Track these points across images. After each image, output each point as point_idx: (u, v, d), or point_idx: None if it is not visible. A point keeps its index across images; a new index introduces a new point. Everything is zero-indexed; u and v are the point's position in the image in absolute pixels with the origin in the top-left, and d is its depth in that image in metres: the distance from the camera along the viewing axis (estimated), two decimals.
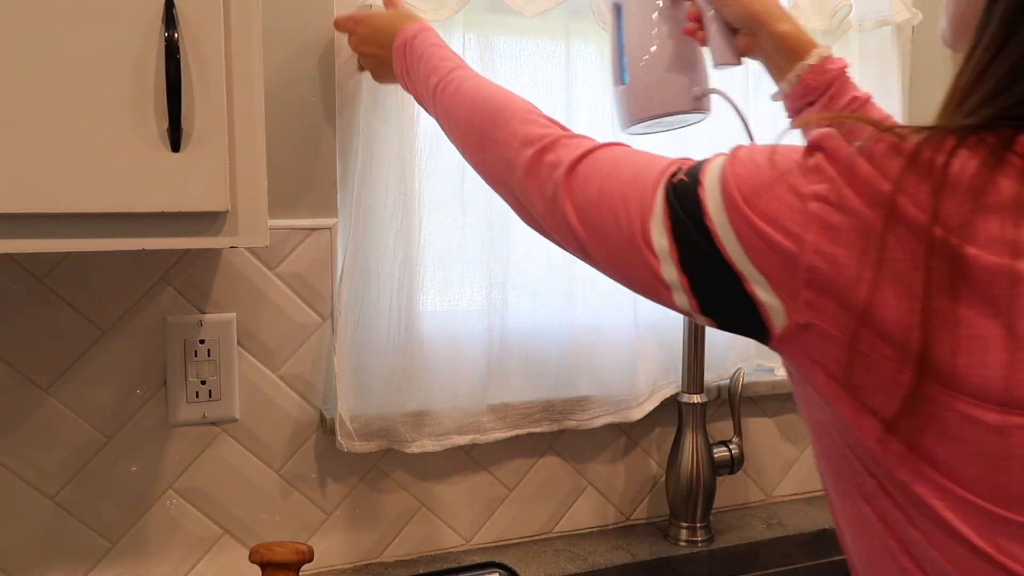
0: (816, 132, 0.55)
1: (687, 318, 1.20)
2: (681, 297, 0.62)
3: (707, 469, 1.25)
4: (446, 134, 0.87)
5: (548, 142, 0.72)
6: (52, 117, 0.72)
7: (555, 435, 1.25)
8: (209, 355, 1.06)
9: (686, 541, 1.26)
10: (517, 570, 1.14)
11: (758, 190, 0.55)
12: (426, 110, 0.91)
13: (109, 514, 1.04)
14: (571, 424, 1.22)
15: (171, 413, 1.05)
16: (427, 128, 1.08)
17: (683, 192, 0.60)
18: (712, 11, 0.92)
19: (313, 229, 1.10)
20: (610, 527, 1.31)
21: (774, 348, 0.58)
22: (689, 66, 0.95)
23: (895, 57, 1.35)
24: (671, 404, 1.28)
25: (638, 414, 1.26)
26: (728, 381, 1.30)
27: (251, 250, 1.07)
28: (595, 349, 1.21)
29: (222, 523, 1.10)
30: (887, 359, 0.51)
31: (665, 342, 1.26)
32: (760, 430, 1.39)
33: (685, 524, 1.26)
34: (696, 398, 1.25)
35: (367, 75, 1.05)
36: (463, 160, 0.85)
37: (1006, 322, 0.48)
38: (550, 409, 1.20)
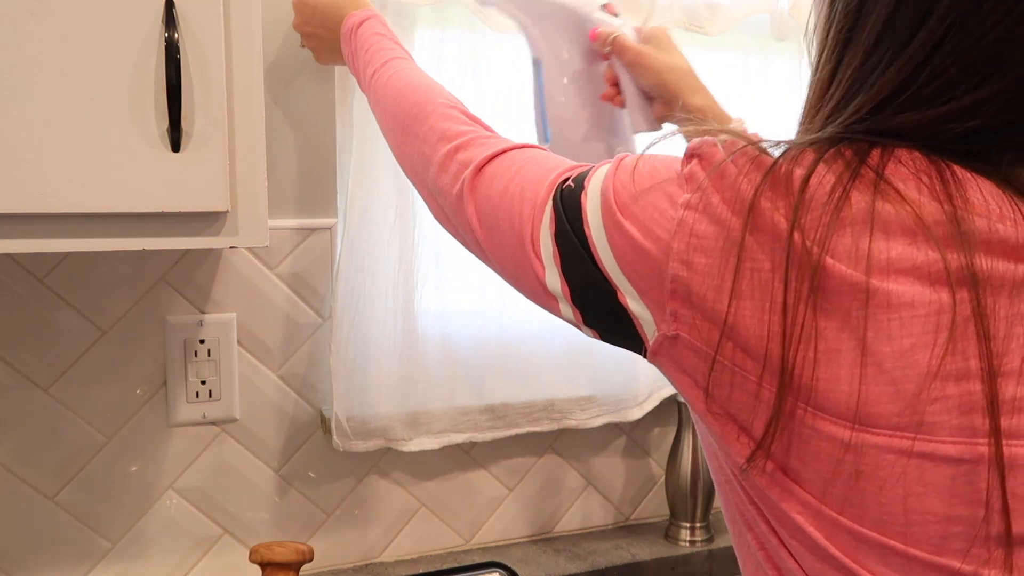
0: (694, 140, 0.54)
1: None
2: (566, 308, 0.61)
3: (707, 469, 1.25)
4: (379, 126, 0.86)
5: (463, 140, 0.71)
6: (52, 117, 0.72)
7: (555, 435, 1.25)
8: (209, 355, 1.06)
9: (686, 541, 1.26)
10: (517, 570, 1.14)
11: (636, 196, 0.54)
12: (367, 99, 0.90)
13: (109, 514, 1.04)
14: (571, 424, 1.22)
15: (171, 413, 1.05)
16: None
17: (568, 198, 0.59)
18: (628, 77, 0.92)
19: (313, 229, 1.10)
20: (610, 527, 1.31)
21: (650, 361, 0.57)
22: (609, 129, 0.94)
23: None
24: (671, 404, 1.28)
25: (638, 414, 1.26)
26: None
27: (251, 250, 1.07)
28: (594, 349, 1.21)
29: (222, 523, 1.10)
30: (750, 374, 0.50)
31: None
32: None
33: (685, 524, 1.26)
34: None
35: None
36: None
37: (859, 336, 0.47)
38: (550, 409, 1.20)
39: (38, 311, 0.99)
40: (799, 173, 0.50)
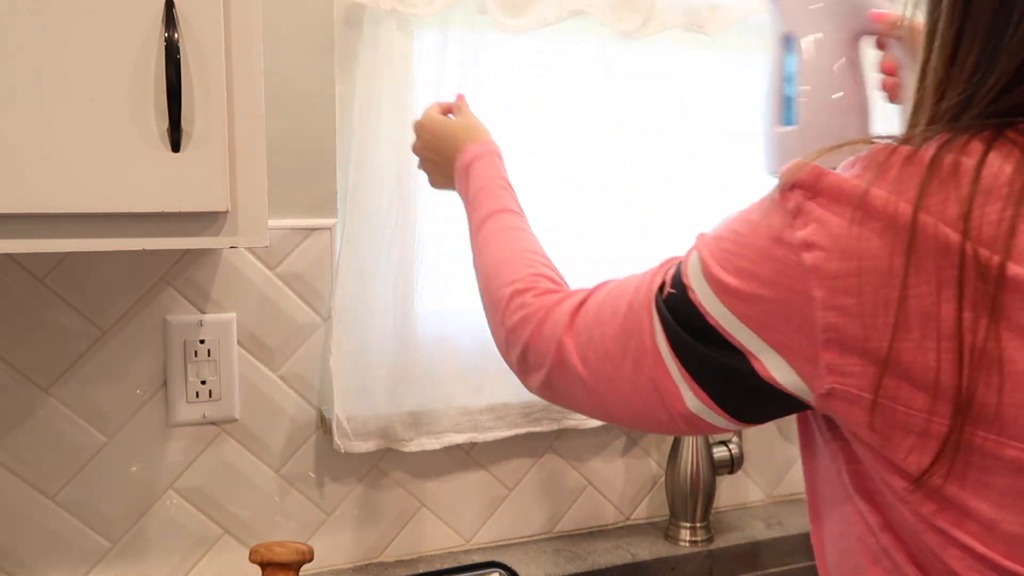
0: (785, 170, 0.49)
1: None
2: (715, 418, 0.56)
3: (707, 469, 1.25)
4: None
5: (540, 318, 0.69)
6: (52, 117, 0.72)
7: (555, 435, 1.25)
8: (209, 355, 1.06)
9: (686, 541, 1.26)
10: (517, 570, 1.14)
11: (744, 257, 0.50)
12: None
13: (109, 514, 1.04)
14: (571, 423, 1.22)
15: (171, 413, 1.05)
16: None
17: (675, 306, 0.55)
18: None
19: (313, 229, 1.10)
20: (610, 527, 1.31)
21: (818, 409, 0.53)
22: (863, 113, 0.87)
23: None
24: None
25: None
26: None
27: (251, 250, 1.07)
28: None
29: (222, 523, 1.10)
30: (916, 409, 0.45)
31: None
32: (760, 430, 1.39)
33: (685, 524, 1.26)
34: None
35: (363, 71, 1.05)
36: None
37: None
38: (550, 409, 1.20)
39: (38, 311, 0.99)
40: (968, 163, 0.44)
